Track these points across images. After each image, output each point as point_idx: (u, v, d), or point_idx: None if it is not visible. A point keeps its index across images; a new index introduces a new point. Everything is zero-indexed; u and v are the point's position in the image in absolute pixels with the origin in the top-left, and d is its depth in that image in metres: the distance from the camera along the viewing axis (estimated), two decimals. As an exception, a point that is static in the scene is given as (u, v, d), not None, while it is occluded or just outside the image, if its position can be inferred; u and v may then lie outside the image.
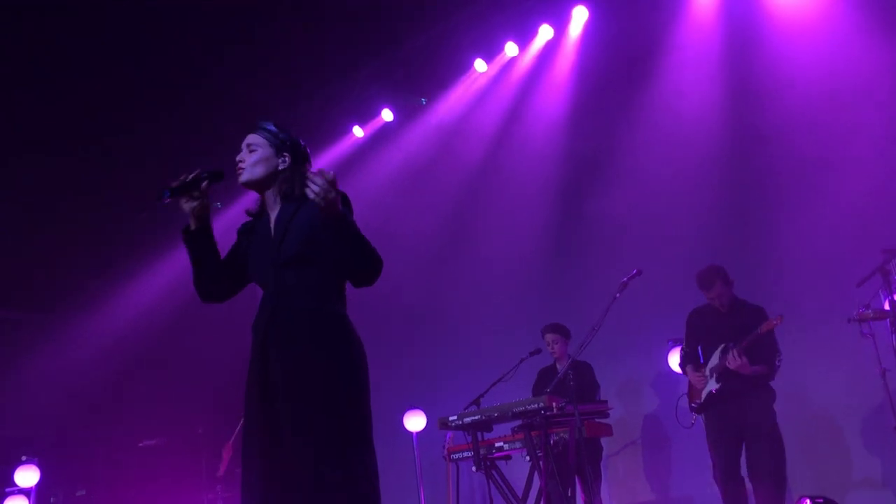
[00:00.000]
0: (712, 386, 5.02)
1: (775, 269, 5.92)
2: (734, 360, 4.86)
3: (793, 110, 6.00)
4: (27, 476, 6.77)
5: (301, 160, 2.95)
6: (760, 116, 6.21)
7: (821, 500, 4.44)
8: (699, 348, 5.29)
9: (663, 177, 6.58)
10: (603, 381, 6.11)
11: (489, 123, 7.82)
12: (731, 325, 5.06)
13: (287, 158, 2.90)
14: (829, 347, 5.53)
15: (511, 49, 7.44)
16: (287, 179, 2.88)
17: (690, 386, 5.25)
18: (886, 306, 4.58)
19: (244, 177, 2.88)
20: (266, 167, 2.88)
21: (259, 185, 2.91)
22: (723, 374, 4.97)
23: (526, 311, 7.11)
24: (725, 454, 4.97)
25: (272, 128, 2.94)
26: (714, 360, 5.08)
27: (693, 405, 5.20)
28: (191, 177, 2.81)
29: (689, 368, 5.26)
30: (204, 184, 2.83)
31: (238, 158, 2.90)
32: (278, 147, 2.91)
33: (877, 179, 5.51)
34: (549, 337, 6.00)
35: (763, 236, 6.09)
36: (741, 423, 4.93)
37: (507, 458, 5.04)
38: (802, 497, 4.47)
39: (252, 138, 2.92)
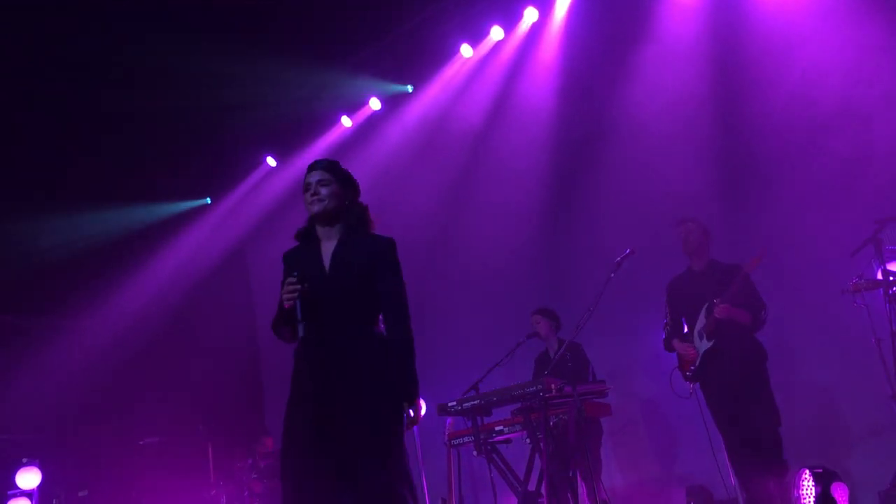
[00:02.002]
0: (705, 346, 5.03)
1: (769, 244, 5.94)
2: (721, 310, 4.87)
3: (781, 85, 6.00)
4: (29, 478, 6.78)
5: (358, 197, 3.35)
6: (749, 93, 6.21)
7: (820, 470, 4.47)
8: (682, 320, 5.30)
9: (654, 155, 6.58)
10: (599, 361, 6.13)
11: (477, 109, 7.80)
12: (709, 285, 5.06)
13: (351, 195, 3.30)
14: (824, 318, 5.55)
15: (497, 33, 7.41)
16: (353, 214, 3.26)
17: (680, 357, 5.26)
18: (879, 276, 4.60)
19: (318, 208, 3.20)
20: (337, 201, 3.23)
21: (329, 216, 3.23)
22: (714, 331, 4.98)
23: (521, 295, 7.12)
24: (730, 422, 4.95)
25: (339, 167, 3.30)
26: (701, 321, 5.10)
27: (687, 374, 5.20)
28: (296, 296, 3.05)
29: (675, 342, 5.27)
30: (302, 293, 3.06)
31: (311, 192, 3.21)
32: (344, 184, 3.27)
33: (867, 149, 5.52)
34: (534, 318, 6.16)
35: (756, 211, 6.11)
36: (736, 386, 4.90)
37: (508, 441, 5.05)
38: (802, 468, 4.50)
39: (321, 174, 3.24)
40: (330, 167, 3.28)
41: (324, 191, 3.20)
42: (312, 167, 3.29)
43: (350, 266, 3.16)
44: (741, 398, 4.88)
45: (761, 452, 4.78)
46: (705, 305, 5.03)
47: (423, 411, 3.07)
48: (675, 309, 5.35)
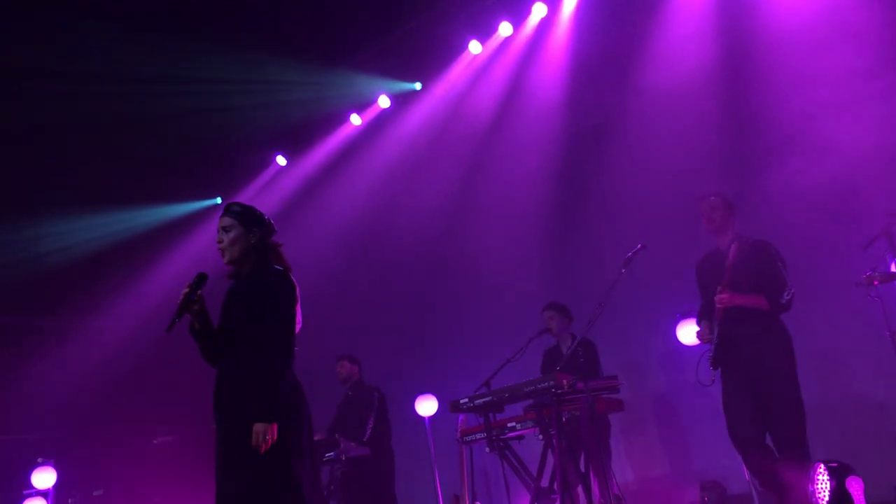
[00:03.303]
0: (715, 336, 4.71)
1: (783, 235, 5.90)
2: (719, 299, 4.57)
3: (792, 74, 5.94)
4: (44, 478, 6.82)
5: (269, 232, 3.59)
6: (759, 83, 6.17)
7: (835, 465, 4.43)
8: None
9: (664, 148, 6.55)
10: (611, 357, 6.12)
11: (485, 105, 7.80)
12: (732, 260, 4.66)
13: (258, 234, 3.51)
14: (838, 311, 5.52)
15: (505, 29, 7.40)
16: (258, 253, 3.52)
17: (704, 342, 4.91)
18: (893, 269, 4.56)
19: (225, 259, 3.52)
20: (242, 244, 3.51)
21: (235, 262, 3.52)
22: (721, 318, 4.66)
23: (531, 290, 7.11)
24: (737, 414, 4.61)
25: (244, 210, 3.54)
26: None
27: (710, 358, 4.74)
28: (182, 299, 3.35)
29: (702, 323, 4.89)
30: (194, 296, 3.37)
31: (217, 240, 3.51)
32: (249, 225, 3.51)
33: (881, 140, 5.46)
34: (546, 314, 6.11)
35: (770, 202, 6.05)
36: (753, 373, 4.56)
37: (520, 437, 5.04)
38: (817, 462, 4.46)
39: (225, 220, 3.53)
40: (233, 212, 3.53)
41: (227, 238, 3.49)
42: (222, 213, 3.58)
43: (230, 307, 3.50)
44: (760, 397, 4.56)
45: (784, 456, 4.50)
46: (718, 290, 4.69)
47: (274, 434, 3.21)
48: (703, 290, 4.98)
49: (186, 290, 3.38)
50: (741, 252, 4.70)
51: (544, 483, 4.71)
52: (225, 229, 3.51)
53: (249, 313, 3.40)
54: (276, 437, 3.19)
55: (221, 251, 3.51)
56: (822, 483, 4.34)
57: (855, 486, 4.34)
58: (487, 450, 4.88)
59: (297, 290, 3.51)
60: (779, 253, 4.72)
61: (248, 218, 3.53)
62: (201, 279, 3.42)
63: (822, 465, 4.41)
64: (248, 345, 3.38)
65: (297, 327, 3.51)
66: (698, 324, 4.97)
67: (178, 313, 3.35)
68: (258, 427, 3.19)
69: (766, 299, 4.58)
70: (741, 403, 4.62)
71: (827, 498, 4.30)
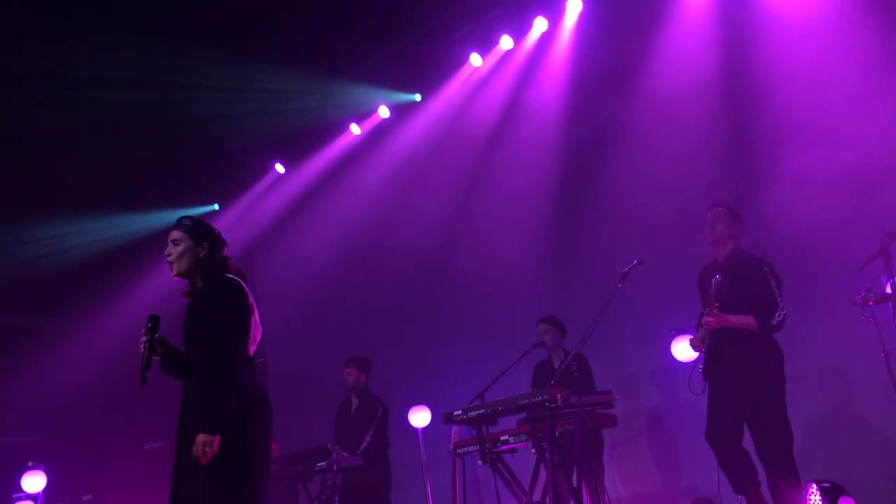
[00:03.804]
0: (702, 353, 4.79)
1: (779, 253, 5.91)
2: (707, 321, 4.61)
3: (794, 87, 5.93)
4: (34, 482, 6.78)
5: (219, 246, 3.60)
6: (759, 98, 6.16)
7: (827, 485, 4.42)
8: None
9: (662, 163, 6.56)
10: (605, 372, 6.11)
11: (485, 117, 7.82)
12: (724, 278, 4.69)
13: (207, 248, 3.53)
14: (833, 331, 5.52)
15: (506, 42, 7.43)
16: (207, 266, 3.53)
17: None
18: (888, 290, 4.56)
19: (173, 271, 3.55)
20: (191, 257, 3.52)
21: (183, 274, 3.55)
22: (712, 337, 4.69)
23: (527, 305, 7.11)
24: (717, 417, 4.66)
25: (193, 224, 3.57)
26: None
27: (700, 369, 4.86)
28: (143, 350, 3.43)
29: (700, 331, 4.90)
30: (154, 341, 3.46)
31: (166, 253, 3.54)
32: (198, 239, 3.53)
33: (880, 154, 5.44)
34: (541, 328, 6.17)
35: (767, 219, 6.05)
36: (739, 390, 4.59)
37: (513, 451, 5.03)
38: (809, 482, 4.46)
39: (175, 234, 3.56)
40: (183, 225, 3.57)
41: (175, 251, 3.53)
42: (173, 226, 3.63)
43: (189, 323, 3.51)
44: (746, 414, 4.61)
45: (768, 472, 4.57)
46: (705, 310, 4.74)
47: (215, 447, 3.21)
48: (704, 300, 4.95)
49: (144, 338, 3.45)
50: (731, 270, 4.72)
51: (536, 497, 4.70)
52: (174, 242, 3.55)
53: (206, 326, 3.42)
54: (216, 449, 3.19)
55: (170, 264, 3.56)
56: (815, 503, 4.34)
57: (847, 507, 4.33)
58: (480, 462, 4.87)
59: (250, 298, 3.51)
60: (773, 271, 4.72)
61: (197, 231, 3.56)
62: (155, 322, 3.49)
63: (814, 485, 4.40)
64: (205, 356, 3.40)
65: (256, 334, 3.52)
66: (696, 330, 5.00)
67: (144, 365, 3.41)
68: (199, 438, 3.20)
69: (756, 320, 4.60)
70: (722, 405, 4.65)
71: (819, 517, 4.29)
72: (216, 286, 3.51)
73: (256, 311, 3.54)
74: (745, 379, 4.60)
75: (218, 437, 3.19)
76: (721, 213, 4.92)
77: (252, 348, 3.51)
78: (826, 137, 5.70)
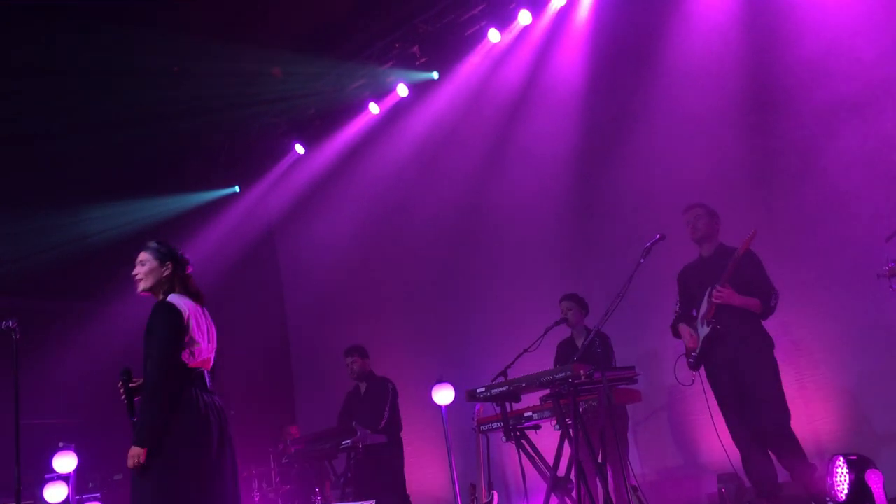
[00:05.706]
0: (704, 332, 4.98)
1: (803, 227, 5.85)
2: (719, 293, 4.82)
3: (817, 64, 5.85)
4: (65, 462, 6.88)
5: (182, 265, 3.96)
6: (783, 72, 6.08)
7: (854, 458, 4.40)
8: (694, 311, 5.18)
9: (684, 137, 6.50)
10: (627, 349, 6.09)
11: (504, 94, 7.76)
12: (716, 270, 4.96)
13: (171, 267, 3.91)
14: (859, 304, 5.46)
15: (524, 17, 7.36)
16: (168, 284, 3.90)
17: (685, 343, 5.19)
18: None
19: (140, 287, 3.93)
20: (154, 276, 3.91)
21: (152, 290, 3.92)
22: (713, 316, 4.92)
23: (548, 281, 7.09)
24: (734, 412, 4.92)
25: (158, 246, 3.95)
26: (703, 307, 5.03)
27: (690, 360, 5.13)
28: (125, 399, 3.82)
29: (680, 326, 5.21)
30: (128, 391, 3.83)
31: (133, 273, 3.92)
32: (162, 259, 3.91)
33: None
34: (564, 305, 6.17)
35: (789, 194, 5.99)
36: (737, 376, 4.86)
37: (537, 427, 5.04)
38: (836, 455, 4.43)
39: (141, 255, 3.95)
40: (149, 248, 3.95)
41: (141, 270, 3.91)
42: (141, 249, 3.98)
43: (145, 339, 3.81)
44: (744, 389, 4.85)
45: (771, 449, 4.78)
46: (708, 291, 4.97)
47: (141, 459, 3.55)
48: (685, 297, 5.29)
49: (122, 390, 3.83)
50: (722, 264, 4.94)
51: (561, 473, 4.71)
52: (141, 262, 3.93)
53: (147, 345, 3.78)
54: (142, 460, 3.50)
55: (137, 282, 3.92)
56: (841, 476, 4.32)
57: (874, 480, 4.30)
58: (504, 439, 4.88)
59: (184, 316, 3.75)
60: (760, 260, 4.98)
61: (161, 253, 3.94)
62: (127, 375, 3.85)
63: (841, 458, 4.38)
64: (145, 374, 3.75)
65: (197, 348, 3.77)
66: (674, 328, 5.28)
67: (130, 412, 3.81)
68: (131, 451, 3.55)
69: (758, 300, 4.85)
70: (731, 408, 4.94)
71: (846, 491, 4.27)
72: (155, 307, 3.84)
73: (200, 327, 3.81)
74: (746, 354, 4.84)
75: (145, 450, 3.52)
76: (699, 213, 5.19)
77: (197, 361, 3.78)
78: (858, 108, 5.62)
